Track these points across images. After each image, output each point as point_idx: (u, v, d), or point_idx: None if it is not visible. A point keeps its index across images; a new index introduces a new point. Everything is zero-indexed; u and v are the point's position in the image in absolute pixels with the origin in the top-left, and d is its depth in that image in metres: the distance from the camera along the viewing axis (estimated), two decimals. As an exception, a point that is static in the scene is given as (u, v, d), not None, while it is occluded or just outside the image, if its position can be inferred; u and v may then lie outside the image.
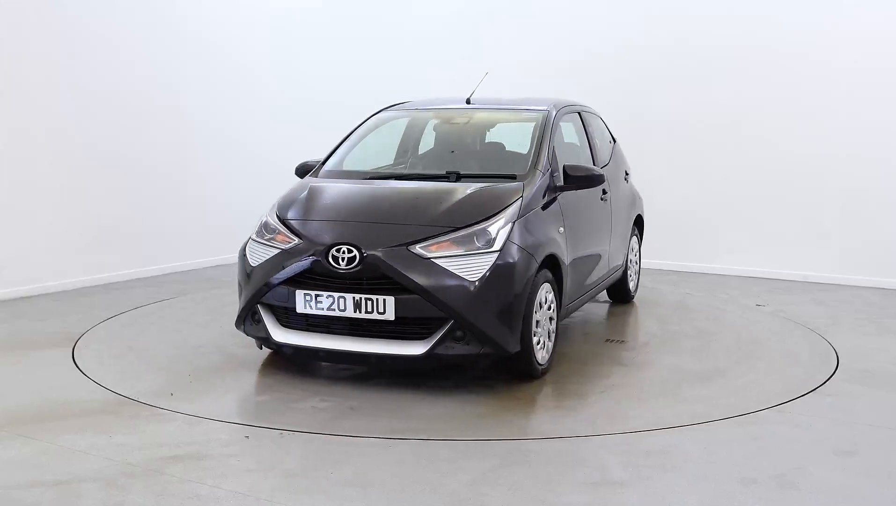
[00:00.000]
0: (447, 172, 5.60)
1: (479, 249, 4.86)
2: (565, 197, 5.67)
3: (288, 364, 5.55)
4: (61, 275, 7.87)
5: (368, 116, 6.70)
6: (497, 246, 4.89)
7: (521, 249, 4.96)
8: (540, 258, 5.07)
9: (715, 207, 8.78)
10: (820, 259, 8.50)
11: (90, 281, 8.08)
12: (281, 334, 5.12)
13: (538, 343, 5.15)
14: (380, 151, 6.53)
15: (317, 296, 4.92)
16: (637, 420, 4.60)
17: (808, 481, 3.83)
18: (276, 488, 3.73)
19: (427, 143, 6.54)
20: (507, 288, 4.85)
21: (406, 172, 6.04)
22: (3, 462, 4.00)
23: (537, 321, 5.10)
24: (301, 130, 9.79)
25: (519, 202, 5.14)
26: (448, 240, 4.90)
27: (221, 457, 4.06)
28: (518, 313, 4.90)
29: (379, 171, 6.11)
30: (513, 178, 5.42)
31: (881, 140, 8.14)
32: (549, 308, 5.28)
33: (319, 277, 4.94)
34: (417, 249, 4.85)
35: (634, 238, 7.53)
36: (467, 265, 4.82)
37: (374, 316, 4.83)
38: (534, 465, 3.98)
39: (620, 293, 7.45)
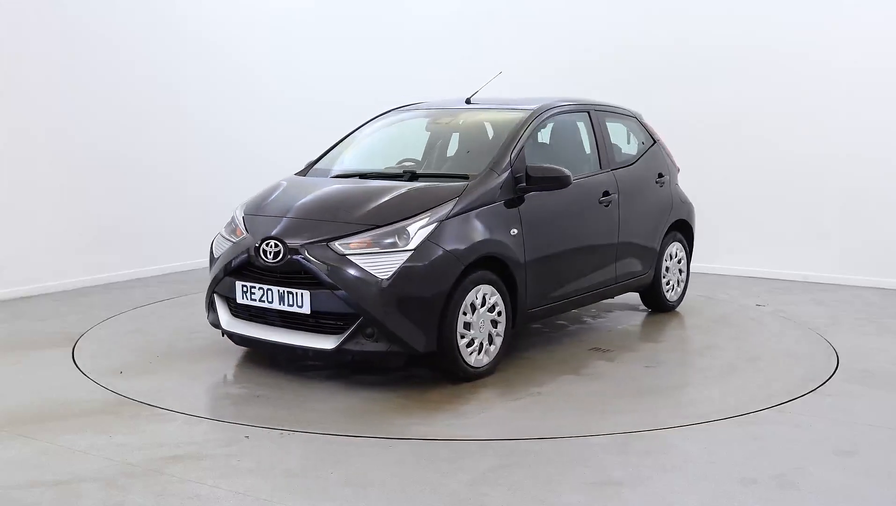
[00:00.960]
0: (403, 172, 5.74)
1: (393, 247, 4.93)
2: (535, 198, 5.57)
3: (288, 364, 5.55)
4: (61, 275, 7.87)
5: (375, 116, 6.71)
6: (412, 245, 4.94)
7: (441, 248, 4.98)
8: (469, 259, 5.06)
9: (715, 207, 8.78)
10: (820, 259, 8.49)
11: (90, 281, 8.09)
12: (229, 323, 5.42)
13: (469, 345, 5.13)
14: (380, 151, 6.52)
15: (251, 288, 5.20)
16: (637, 420, 4.59)
17: (808, 481, 3.83)
18: (276, 488, 3.73)
19: (420, 143, 6.52)
20: (418, 287, 4.90)
21: (369, 171, 6.00)
22: (3, 462, 4.00)
23: (466, 323, 5.08)
24: (301, 129, 9.79)
25: (453, 203, 5.16)
26: (367, 238, 4.99)
27: (221, 457, 4.06)
28: (431, 313, 4.93)
29: (347, 170, 6.11)
30: (465, 178, 5.44)
31: (881, 140, 8.13)
32: (493, 311, 5.25)
33: (255, 271, 5.21)
34: (336, 245, 4.98)
35: (677, 245, 7.12)
36: (379, 263, 4.89)
37: (294, 309, 5.03)
38: (534, 465, 3.98)
39: (655, 302, 7.07)
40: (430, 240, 4.97)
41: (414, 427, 4.47)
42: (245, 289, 5.21)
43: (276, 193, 5.73)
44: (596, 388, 5.18)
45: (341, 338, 4.93)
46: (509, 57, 9.54)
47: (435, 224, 5.04)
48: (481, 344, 5.21)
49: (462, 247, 5.06)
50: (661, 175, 6.94)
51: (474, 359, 5.18)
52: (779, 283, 8.47)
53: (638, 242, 6.60)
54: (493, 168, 5.46)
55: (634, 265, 6.63)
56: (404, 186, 5.42)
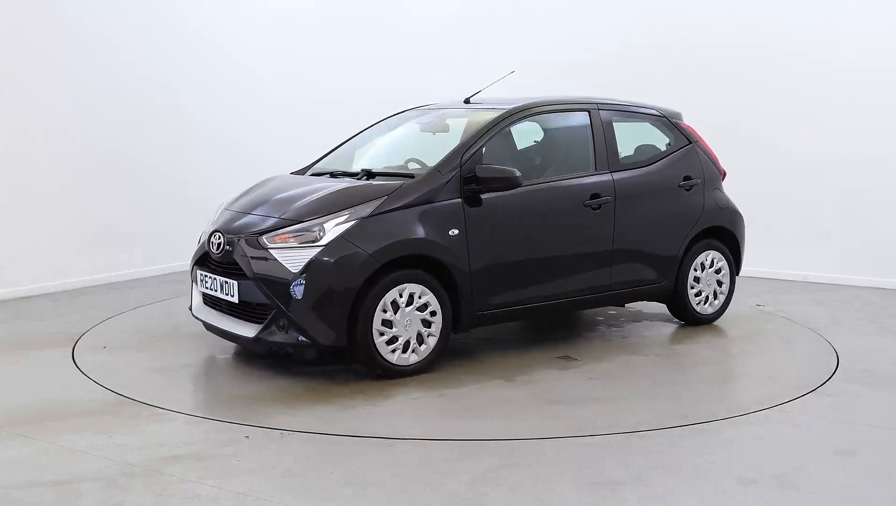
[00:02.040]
0: (361, 171, 5.85)
1: (308, 242, 5.09)
2: (498, 199, 5.52)
3: (289, 364, 5.55)
4: (61, 275, 7.88)
5: (388, 116, 6.71)
6: (324, 241, 5.08)
7: (354, 245, 5.08)
8: (386, 257, 5.12)
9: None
10: (820, 259, 8.49)
11: (90, 281, 8.09)
12: (197, 309, 5.78)
13: (392, 342, 5.18)
14: (374, 151, 6.49)
15: (205, 277, 5.59)
16: (637, 420, 4.59)
17: (808, 481, 3.83)
18: (276, 487, 3.73)
19: (416, 144, 6.51)
20: (326, 282, 5.02)
21: (340, 170, 6.10)
22: (3, 462, 4.00)
23: (386, 321, 5.14)
24: (301, 129, 9.80)
25: (379, 201, 5.25)
26: (288, 232, 5.18)
27: (221, 457, 4.06)
28: (339, 309, 5.03)
29: (326, 169, 6.23)
30: (411, 177, 5.53)
31: (881, 140, 8.13)
32: (426, 310, 5.28)
33: (210, 261, 5.56)
34: (263, 239, 5.21)
35: (713, 254, 6.63)
36: (293, 257, 5.08)
37: (228, 298, 5.39)
38: (533, 465, 3.98)
39: (683, 314, 6.64)
40: (343, 237, 5.09)
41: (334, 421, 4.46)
42: (201, 278, 5.62)
43: (251, 189, 6.04)
44: (511, 394, 5.03)
45: (259, 327, 5.17)
46: (509, 57, 9.53)
47: (353, 222, 5.15)
48: (407, 342, 5.24)
49: (379, 245, 5.13)
50: (688, 178, 6.51)
51: (397, 357, 5.22)
52: (779, 283, 8.47)
53: (647, 249, 6.27)
54: (438, 168, 5.49)
55: (642, 272, 6.30)
56: (342, 184, 5.57)
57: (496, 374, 5.43)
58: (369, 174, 5.77)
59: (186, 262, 8.84)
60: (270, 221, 5.33)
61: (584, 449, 4.19)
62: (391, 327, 5.17)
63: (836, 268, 8.41)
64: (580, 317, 6.97)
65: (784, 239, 8.67)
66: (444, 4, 10.31)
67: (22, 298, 7.47)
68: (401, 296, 5.19)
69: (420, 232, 5.29)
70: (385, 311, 5.15)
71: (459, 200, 5.44)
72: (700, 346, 6.16)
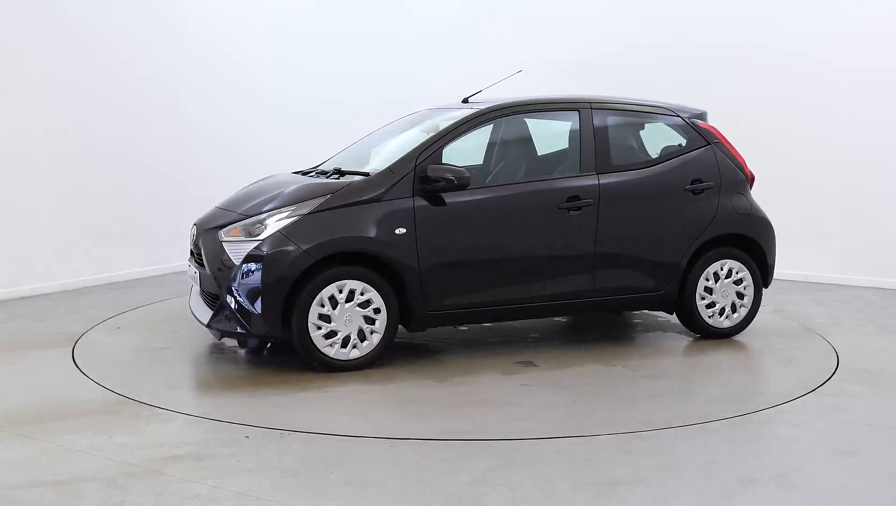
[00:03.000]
0: (334, 170, 5.96)
1: (252, 237, 5.34)
2: (460, 199, 5.53)
3: (289, 364, 5.55)
4: (61, 275, 7.87)
5: (402, 117, 6.72)
6: (262, 235, 5.31)
7: (290, 241, 5.26)
8: (322, 253, 5.26)
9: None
10: (820, 259, 8.49)
11: (90, 281, 8.09)
12: (192, 298, 6.08)
13: (330, 336, 5.29)
14: (369, 151, 6.48)
15: (190, 267, 5.95)
16: (637, 420, 4.59)
17: (808, 481, 3.83)
18: (276, 487, 3.73)
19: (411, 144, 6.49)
20: (262, 275, 5.23)
21: (322, 169, 6.21)
22: (3, 462, 4.00)
23: (323, 315, 5.26)
24: (301, 129, 9.80)
25: (324, 198, 5.40)
26: (238, 227, 5.46)
27: (221, 457, 4.06)
28: (273, 302, 5.23)
29: (325, 168, 6.26)
30: (367, 175, 5.64)
31: (881, 140, 8.13)
32: (368, 306, 5.35)
33: (193, 254, 5.89)
34: (220, 232, 5.51)
35: (731, 263, 6.20)
36: (237, 250, 5.35)
37: (196, 287, 5.85)
38: (534, 465, 3.98)
39: (693, 326, 6.24)
40: (281, 232, 5.29)
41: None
42: (189, 267, 5.99)
43: (244, 187, 6.28)
44: (433, 395, 5.03)
45: (211, 314, 5.54)
46: (509, 57, 9.53)
47: (294, 218, 5.34)
48: (347, 338, 5.33)
49: (315, 241, 5.27)
50: (697, 182, 6.14)
51: (335, 351, 5.32)
52: (779, 283, 8.44)
53: (640, 255, 6.00)
54: (392, 168, 5.56)
55: (635, 280, 6.03)
56: (302, 182, 5.77)
57: (432, 374, 5.41)
58: (340, 173, 5.86)
59: (186, 262, 8.92)
60: (232, 217, 5.62)
61: (584, 449, 4.19)
62: (329, 322, 5.28)
63: (836, 268, 8.42)
64: (594, 322, 6.95)
65: (784, 239, 8.65)
66: (444, 4, 10.31)
67: (22, 298, 7.47)
68: (340, 292, 5.30)
69: (361, 229, 5.38)
70: (322, 305, 5.27)
71: (410, 199, 5.46)
72: (701, 345, 6.16)
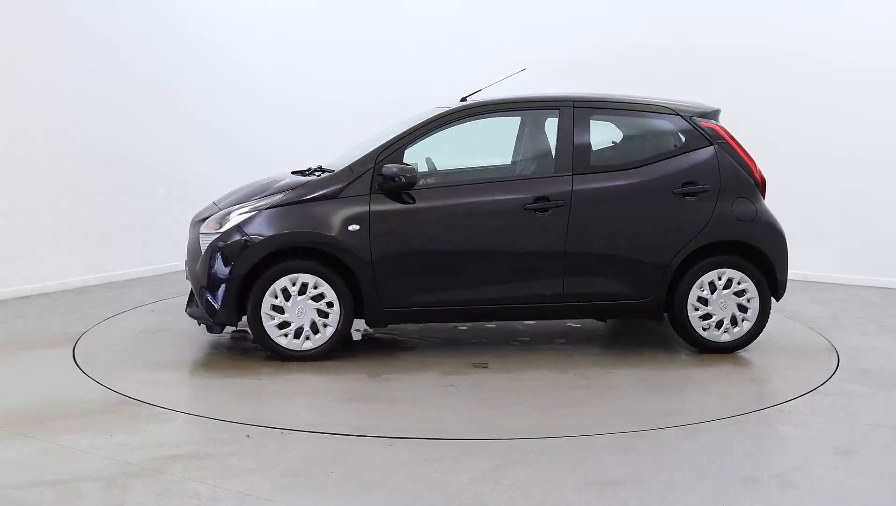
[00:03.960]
0: (317, 167, 6.05)
1: (217, 229, 5.61)
2: (420, 197, 5.57)
3: (289, 364, 5.55)
4: (61, 275, 7.87)
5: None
6: (223, 228, 5.58)
7: (244, 234, 5.52)
8: (273, 247, 5.48)
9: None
10: (820, 259, 8.49)
11: (90, 281, 8.09)
12: None
13: (284, 326, 5.52)
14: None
15: None
16: (637, 420, 4.59)
17: (808, 480, 3.83)
18: (276, 487, 3.73)
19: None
20: (219, 266, 5.52)
21: (314, 168, 6.27)
22: (4, 462, 4.00)
23: (277, 306, 5.48)
24: (301, 129, 9.80)
25: (283, 194, 5.62)
26: (212, 220, 5.72)
27: (222, 456, 4.06)
28: (228, 292, 5.50)
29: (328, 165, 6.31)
30: (332, 172, 5.79)
31: (881, 140, 8.14)
32: (321, 300, 5.51)
33: None
34: (202, 226, 5.75)
35: (731, 273, 5.80)
36: (204, 241, 5.63)
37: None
38: (534, 464, 3.98)
39: (688, 339, 5.88)
40: (239, 225, 5.54)
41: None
42: None
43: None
44: (344, 388, 5.13)
45: (188, 301, 5.92)
46: (509, 57, 9.53)
47: (253, 212, 5.58)
48: (300, 329, 5.53)
49: (266, 235, 5.49)
50: (690, 184, 5.81)
51: (288, 342, 5.54)
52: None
53: (618, 260, 5.74)
54: (352, 166, 5.66)
55: (613, 286, 5.76)
56: (274, 179, 6.03)
57: (361, 370, 5.46)
58: (322, 171, 5.92)
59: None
60: (214, 210, 5.86)
61: (584, 449, 4.19)
62: (282, 313, 5.50)
63: (836, 267, 8.42)
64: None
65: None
66: (444, 4, 10.31)
67: (22, 298, 7.46)
68: (293, 284, 5.51)
69: (314, 225, 5.53)
70: (276, 297, 5.50)
71: (367, 196, 5.55)
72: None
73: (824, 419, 4.62)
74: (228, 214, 5.66)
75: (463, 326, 6.54)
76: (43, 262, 7.74)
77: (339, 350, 5.63)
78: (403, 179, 5.49)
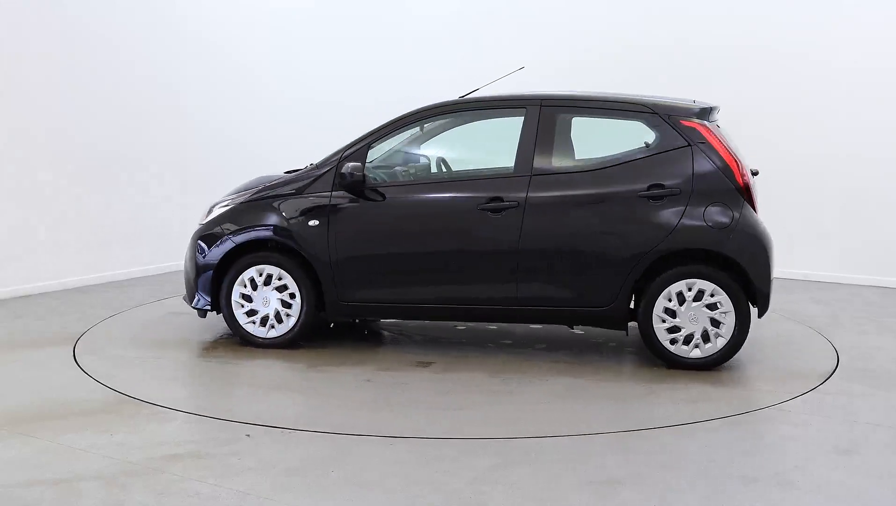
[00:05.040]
0: (311, 164, 6.10)
1: (201, 221, 6.11)
2: (385, 195, 5.68)
3: (289, 363, 5.55)
4: (61, 275, 7.87)
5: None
6: (205, 221, 6.05)
7: (217, 226, 5.96)
8: (239, 240, 5.86)
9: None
10: (820, 258, 8.50)
11: (90, 281, 8.09)
12: None
13: (252, 314, 5.87)
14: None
15: None
16: (636, 419, 4.60)
17: (807, 479, 3.83)
18: (276, 486, 3.73)
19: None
20: (198, 256, 5.98)
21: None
22: (4, 461, 4.00)
23: (245, 295, 5.86)
24: (301, 129, 9.79)
25: (256, 190, 5.99)
26: (205, 212, 6.18)
27: (222, 456, 4.06)
28: (205, 280, 5.94)
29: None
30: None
31: (881, 140, 8.14)
32: (285, 291, 5.80)
33: None
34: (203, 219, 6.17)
35: (703, 284, 5.35)
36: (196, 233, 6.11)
37: None
38: (534, 464, 3.99)
39: (657, 353, 5.51)
40: (216, 218, 6.00)
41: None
42: None
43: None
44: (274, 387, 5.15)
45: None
46: (509, 57, 9.52)
47: (230, 207, 5.99)
48: (266, 318, 5.86)
49: (233, 228, 5.89)
50: (657, 187, 5.43)
51: (254, 329, 5.90)
52: (779, 281, 8.42)
53: (574, 266, 5.50)
54: (318, 163, 5.90)
55: (568, 292, 5.54)
56: (261, 176, 6.32)
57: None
58: (316, 167, 5.99)
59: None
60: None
61: (583, 448, 4.19)
62: (250, 302, 5.86)
63: (836, 267, 8.43)
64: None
65: (784, 238, 8.67)
66: (444, 4, 10.31)
67: (22, 298, 7.46)
68: (260, 275, 5.84)
69: (276, 219, 5.82)
70: (245, 286, 5.87)
71: (328, 193, 5.72)
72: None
73: (824, 419, 4.63)
74: (213, 207, 6.12)
75: (461, 326, 6.54)
76: (43, 262, 7.74)
77: (340, 344, 5.63)
78: (351, 178, 5.57)
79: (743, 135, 8.74)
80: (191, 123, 9.07)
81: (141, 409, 4.72)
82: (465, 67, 9.44)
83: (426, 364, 5.60)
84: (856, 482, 3.81)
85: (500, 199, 5.53)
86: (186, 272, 6.10)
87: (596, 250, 5.48)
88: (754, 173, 5.91)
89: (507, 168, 5.73)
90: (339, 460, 4.02)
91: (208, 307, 5.96)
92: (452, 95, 7.02)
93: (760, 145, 8.70)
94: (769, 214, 9.17)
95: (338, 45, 10.39)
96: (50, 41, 7.78)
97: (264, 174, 6.44)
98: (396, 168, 6.14)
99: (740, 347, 5.44)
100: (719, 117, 6.06)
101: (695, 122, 5.54)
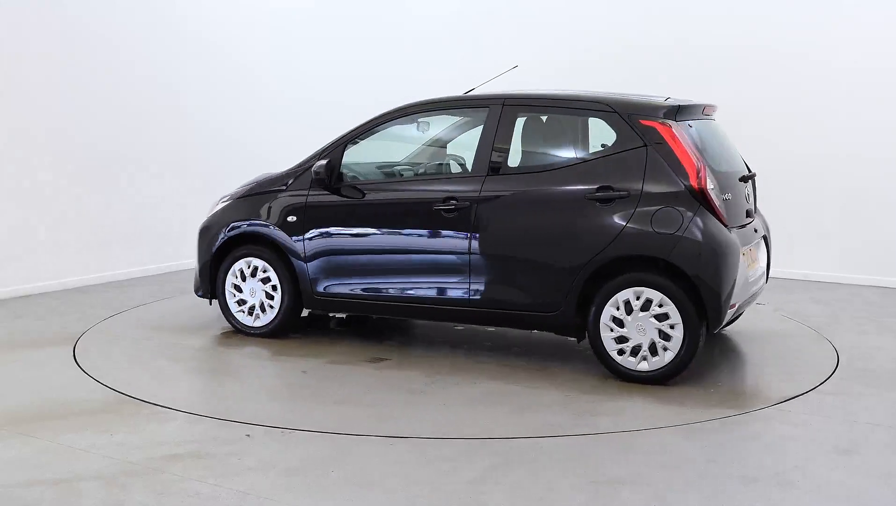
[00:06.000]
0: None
1: (208, 215, 6.48)
2: (361, 193, 5.85)
3: (290, 363, 5.55)
4: (61, 275, 7.87)
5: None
6: (209, 214, 6.43)
7: (214, 221, 6.33)
8: (229, 234, 6.21)
9: (715, 207, 8.76)
10: (820, 258, 8.50)
11: (90, 280, 8.09)
12: None
13: (241, 303, 6.21)
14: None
15: None
16: (636, 419, 4.60)
17: (807, 479, 3.83)
18: (276, 486, 3.73)
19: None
20: (199, 248, 6.40)
21: None
22: (4, 461, 4.00)
23: (236, 286, 6.21)
24: (301, 129, 9.78)
25: (250, 186, 6.32)
26: (214, 204, 6.52)
27: (222, 456, 4.06)
28: (203, 267, 6.34)
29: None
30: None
31: (881, 140, 8.14)
32: (268, 283, 6.10)
33: None
34: None
35: (651, 294, 5.05)
36: None
37: None
38: (534, 464, 3.99)
39: (604, 363, 5.26)
40: (216, 213, 6.36)
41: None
42: None
43: None
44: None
45: None
46: (509, 57, 9.51)
47: (228, 202, 6.34)
48: (252, 308, 6.18)
49: (224, 222, 6.25)
50: (605, 189, 5.19)
51: (243, 318, 6.23)
52: (779, 281, 8.47)
53: (523, 269, 5.40)
54: (301, 162, 6.11)
55: (518, 295, 5.42)
56: (273, 173, 6.44)
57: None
58: (299, 165, 6.20)
59: (187, 261, 8.92)
60: None
61: (583, 448, 4.20)
62: (241, 292, 6.19)
63: (836, 267, 8.43)
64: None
65: (784, 238, 8.67)
66: (444, 4, 10.31)
67: (22, 298, 7.46)
68: (248, 267, 6.16)
69: (260, 215, 6.13)
70: (236, 277, 6.20)
71: (306, 190, 5.96)
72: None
73: (824, 419, 4.63)
74: (218, 201, 6.45)
75: (459, 327, 6.54)
76: (43, 262, 7.74)
77: (340, 336, 5.63)
78: (315, 176, 5.82)
79: (743, 135, 8.75)
80: (191, 123, 9.08)
81: (141, 409, 4.72)
82: (465, 67, 9.44)
83: (380, 360, 5.67)
84: (856, 482, 3.81)
85: (453, 198, 5.52)
86: (199, 269, 6.43)
87: (544, 253, 5.32)
88: (749, 177, 5.85)
89: (467, 168, 5.84)
90: (339, 460, 4.02)
91: (208, 296, 6.34)
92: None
93: (760, 145, 8.70)
94: (769, 214, 9.20)
95: (338, 45, 10.39)
96: (50, 41, 7.78)
97: (270, 172, 6.50)
98: (369, 167, 6.25)
99: (689, 362, 5.10)
100: (716, 116, 6.03)
101: (655, 122, 5.21)
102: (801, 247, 8.58)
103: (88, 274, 8.09)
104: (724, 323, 5.15)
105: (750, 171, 6.02)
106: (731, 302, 5.11)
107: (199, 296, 6.44)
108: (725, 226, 5.14)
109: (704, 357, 5.83)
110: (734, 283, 5.08)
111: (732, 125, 8.77)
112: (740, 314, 6.04)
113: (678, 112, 5.31)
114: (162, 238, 8.77)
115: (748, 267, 5.46)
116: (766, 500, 3.62)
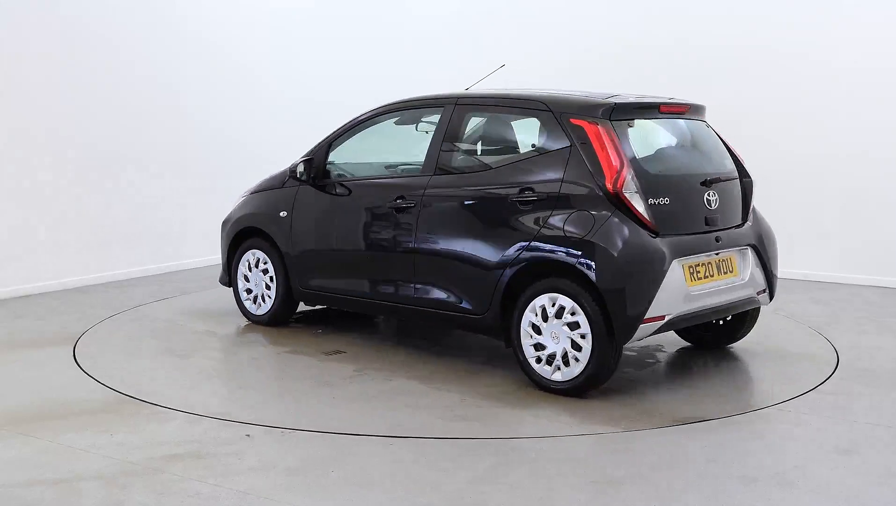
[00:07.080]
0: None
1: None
2: (339, 190, 6.06)
3: (290, 363, 5.55)
4: (61, 275, 7.87)
5: None
6: (231, 209, 6.81)
7: (231, 215, 6.74)
8: (239, 226, 6.61)
9: (715, 207, 8.76)
10: (820, 258, 8.50)
11: (90, 281, 8.09)
12: None
13: (248, 292, 6.60)
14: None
15: None
16: (636, 419, 4.59)
17: (807, 479, 3.83)
18: (276, 486, 3.73)
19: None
20: (221, 238, 6.83)
21: None
22: (4, 461, 4.00)
23: (245, 276, 6.61)
24: (301, 129, 9.76)
25: (260, 182, 6.64)
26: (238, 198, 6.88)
27: (222, 455, 4.06)
28: (225, 258, 6.80)
29: None
30: None
31: (881, 140, 8.14)
32: (267, 274, 6.44)
33: None
34: None
35: (564, 301, 4.82)
36: None
37: None
38: (534, 464, 3.99)
39: (524, 371, 5.07)
40: (235, 207, 6.74)
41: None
42: None
43: None
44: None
45: None
46: (509, 57, 9.52)
47: (244, 197, 6.72)
48: (256, 297, 6.55)
49: (236, 216, 6.67)
50: (527, 191, 5.05)
51: (249, 305, 6.63)
52: (779, 281, 8.46)
53: (452, 270, 5.34)
54: (295, 161, 6.28)
55: (451, 296, 5.37)
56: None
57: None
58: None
59: (187, 260, 8.94)
60: None
61: (583, 448, 4.20)
62: (248, 281, 6.61)
63: (836, 267, 8.42)
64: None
65: (784, 238, 8.66)
66: (444, 4, 10.32)
67: (22, 298, 7.46)
68: (254, 258, 6.53)
69: (258, 210, 6.50)
70: (246, 267, 6.60)
71: (296, 187, 6.23)
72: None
73: (824, 419, 4.63)
74: (238, 197, 6.78)
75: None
76: (43, 262, 7.74)
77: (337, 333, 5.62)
78: (292, 174, 6.19)
79: (743, 135, 8.75)
80: (191, 123, 9.07)
81: (141, 409, 4.72)
82: (465, 67, 9.42)
83: (337, 353, 5.83)
84: (856, 482, 3.81)
85: (403, 197, 5.60)
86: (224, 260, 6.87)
87: (472, 255, 5.24)
88: (717, 180, 5.33)
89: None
90: (339, 460, 4.02)
91: (228, 284, 6.78)
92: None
93: (760, 145, 8.70)
94: (769, 214, 9.19)
95: (338, 45, 10.39)
96: (50, 41, 7.78)
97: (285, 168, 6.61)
98: (348, 167, 6.35)
99: (601, 376, 4.83)
100: (709, 117, 5.91)
101: (584, 121, 4.98)
102: (801, 247, 8.58)
103: (88, 274, 8.09)
104: (639, 337, 4.83)
105: (745, 175, 5.72)
106: (649, 315, 4.73)
107: (222, 285, 6.84)
108: (653, 232, 4.83)
109: (703, 356, 5.83)
110: (654, 294, 4.72)
111: (732, 125, 8.77)
112: (721, 322, 5.76)
113: (614, 111, 5.03)
114: (162, 238, 8.77)
115: (705, 278, 5.07)
116: (766, 500, 3.62)
